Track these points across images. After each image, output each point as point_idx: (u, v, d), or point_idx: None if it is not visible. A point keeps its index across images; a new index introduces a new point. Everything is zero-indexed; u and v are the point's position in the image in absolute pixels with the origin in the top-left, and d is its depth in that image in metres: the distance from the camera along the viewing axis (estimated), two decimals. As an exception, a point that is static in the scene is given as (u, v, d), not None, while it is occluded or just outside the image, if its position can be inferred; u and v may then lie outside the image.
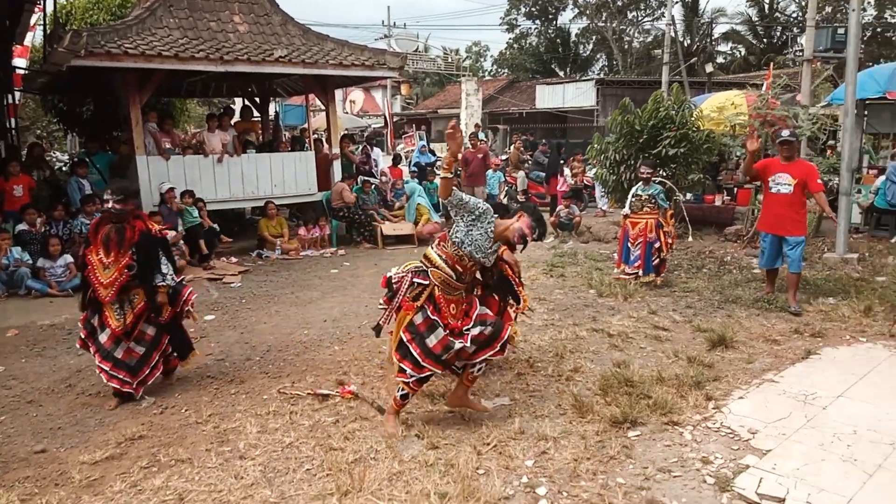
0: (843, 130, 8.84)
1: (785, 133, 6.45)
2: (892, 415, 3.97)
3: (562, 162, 14.41)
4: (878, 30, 35.74)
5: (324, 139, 12.30)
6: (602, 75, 35.23)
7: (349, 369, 5.01)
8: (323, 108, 12.28)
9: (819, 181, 6.38)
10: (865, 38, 34.74)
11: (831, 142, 13.86)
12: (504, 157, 16.47)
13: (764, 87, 11.11)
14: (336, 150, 11.19)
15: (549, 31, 43.30)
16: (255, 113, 13.77)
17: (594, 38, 43.26)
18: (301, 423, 4.07)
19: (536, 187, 15.01)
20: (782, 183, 6.36)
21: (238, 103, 15.83)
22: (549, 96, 28.78)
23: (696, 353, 5.13)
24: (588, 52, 44.54)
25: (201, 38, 9.33)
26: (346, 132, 16.31)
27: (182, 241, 8.71)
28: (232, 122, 11.13)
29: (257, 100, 13.83)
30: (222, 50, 9.19)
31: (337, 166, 11.04)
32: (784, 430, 3.82)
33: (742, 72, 32.48)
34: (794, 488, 3.16)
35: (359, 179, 11.15)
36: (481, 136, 15.82)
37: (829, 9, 31.14)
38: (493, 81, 35.10)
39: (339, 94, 30.35)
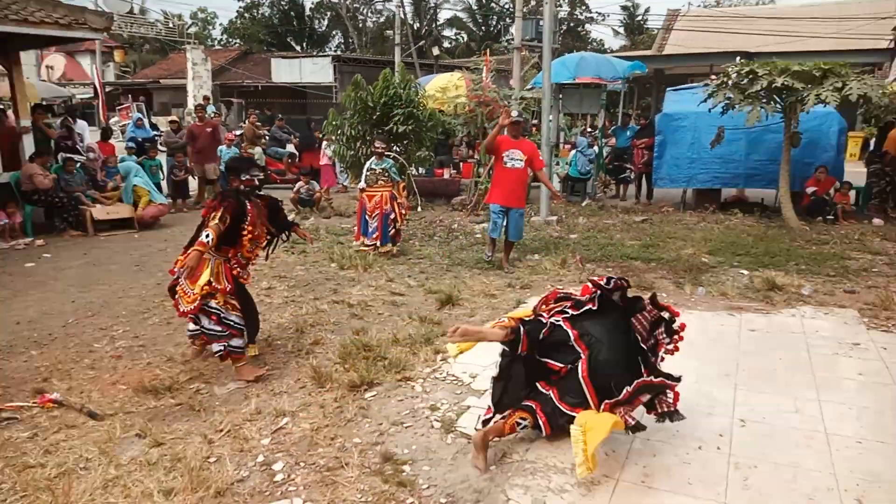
0: (543, 111, 10.14)
1: (514, 113, 7.11)
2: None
3: (321, 136, 14.12)
4: (572, 24, 41.70)
5: (8, 110, 10.30)
6: (339, 52, 35.38)
7: (50, 375, 4.33)
8: (5, 72, 10.27)
9: (541, 159, 7.05)
10: (562, 31, 40.29)
11: (535, 121, 15.85)
12: (238, 133, 15.62)
13: (483, 72, 12.25)
14: (26, 123, 9.48)
15: (283, 3, 42.00)
16: None
17: (329, 13, 43.13)
18: (-18, 445, 3.41)
19: (275, 163, 14.55)
20: (515, 158, 6.87)
21: None
22: (287, 71, 28.01)
23: (428, 313, 5.51)
24: (324, 28, 44.30)
25: None
26: (42, 102, 13.90)
27: None
28: None
29: None
30: None
31: (28, 142, 9.36)
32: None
33: (465, 56, 35.30)
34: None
35: (59, 157, 9.60)
36: (211, 109, 14.77)
37: (533, 2, 35.28)
38: (223, 52, 32.98)
39: (30, 57, 25.72)
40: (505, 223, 7.08)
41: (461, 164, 13.04)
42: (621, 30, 43.66)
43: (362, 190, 7.82)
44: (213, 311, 4.15)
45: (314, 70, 27.50)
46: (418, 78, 14.51)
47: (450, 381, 4.17)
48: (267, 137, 15.37)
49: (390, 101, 9.89)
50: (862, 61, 17.84)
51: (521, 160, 6.90)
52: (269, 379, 4.31)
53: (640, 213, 10.31)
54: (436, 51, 29.39)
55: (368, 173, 7.75)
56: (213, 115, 15.69)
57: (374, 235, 7.70)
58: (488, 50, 16.26)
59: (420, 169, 12.00)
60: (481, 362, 4.42)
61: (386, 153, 7.90)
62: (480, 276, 6.76)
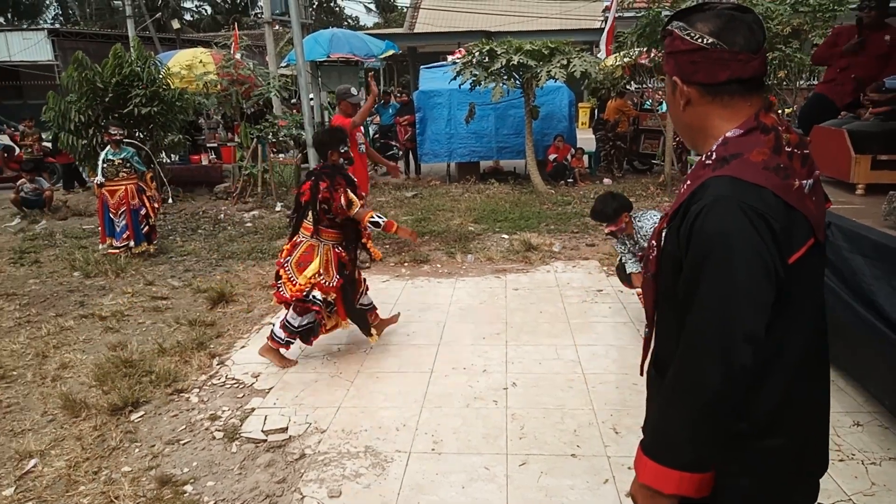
0: (301, 89, 9.85)
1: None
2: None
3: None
4: (323, 2, 41.07)
5: None
6: (58, 26, 30.51)
7: None
8: None
9: None
10: (314, 6, 39.55)
11: (294, 100, 15.38)
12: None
13: (232, 48, 11.46)
14: None
15: (-27, -35, 34.75)
16: None
17: (38, -20, 36.84)
18: None
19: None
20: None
21: None
22: (-12, 47, 23.39)
23: (198, 314, 5.08)
24: (34, -3, 37.75)
25: None
26: None
27: None
28: None
29: None
30: None
31: None
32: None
33: (212, 31, 32.86)
34: (295, 415, 3.47)
35: None
36: None
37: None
38: None
39: None
40: None
41: (220, 148, 12.18)
42: (373, 6, 44.26)
43: (100, 185, 6.86)
44: (313, 302, 3.98)
45: (26, 46, 23.35)
46: (158, 54, 13.07)
47: (230, 386, 3.89)
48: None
49: (125, 80, 8.80)
50: (582, 40, 20.36)
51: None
52: (6, 417, 3.62)
53: (410, 189, 10.63)
54: (176, 24, 26.83)
55: (105, 165, 6.80)
56: None
57: (125, 235, 6.84)
58: (236, 24, 15.30)
59: (173, 156, 10.95)
60: (261, 359, 4.21)
61: (124, 140, 7.02)
62: (255, 268, 6.41)
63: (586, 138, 13.20)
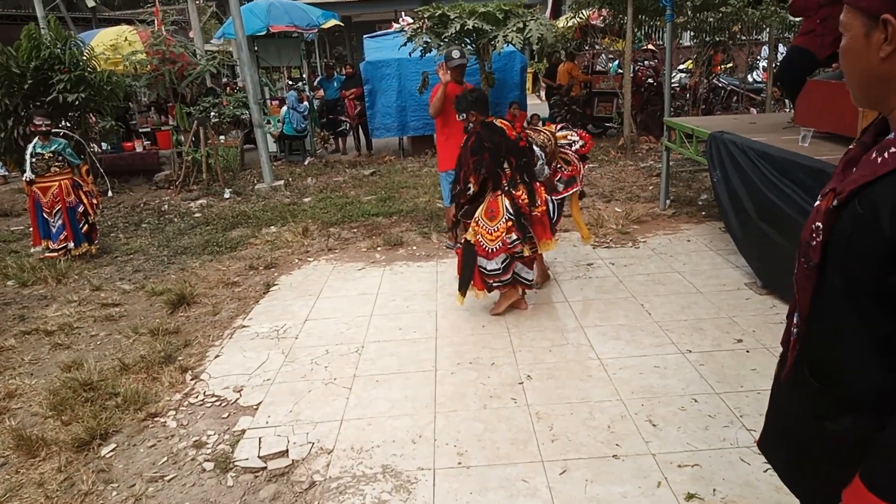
0: (242, 65, 9.16)
1: (455, 54, 5.78)
2: (351, 323, 4.35)
3: None
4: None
5: None
6: (-48, 7, 27.83)
7: None
8: None
9: None
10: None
11: (226, 79, 14.48)
12: None
13: (156, 24, 10.56)
14: None
15: None
16: None
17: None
18: None
19: None
20: None
21: None
22: None
23: (158, 321, 4.56)
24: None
25: None
26: None
27: None
28: None
29: None
30: None
31: None
32: (267, 375, 3.72)
33: (129, 8, 30.75)
34: (293, 434, 3.09)
35: None
36: None
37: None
38: None
39: None
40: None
41: (154, 133, 11.29)
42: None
43: (31, 182, 6.14)
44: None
45: (-80, 30, 21.23)
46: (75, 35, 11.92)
47: (210, 405, 3.46)
48: None
49: (45, 64, 7.93)
50: (528, 2, 19.96)
51: None
52: (-54, 467, 3.10)
53: (366, 167, 10.14)
54: (90, 2, 24.91)
55: (34, 160, 6.09)
56: None
57: (63, 236, 6.17)
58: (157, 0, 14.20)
59: (104, 144, 10.08)
60: (242, 369, 3.79)
61: (53, 131, 6.28)
62: (213, 263, 5.89)
63: (533, 104, 12.96)
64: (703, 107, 10.96)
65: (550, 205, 4.22)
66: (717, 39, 10.26)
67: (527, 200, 3.99)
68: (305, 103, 11.28)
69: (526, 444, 2.83)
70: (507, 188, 3.99)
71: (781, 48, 11.18)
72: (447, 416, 3.11)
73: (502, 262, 4.02)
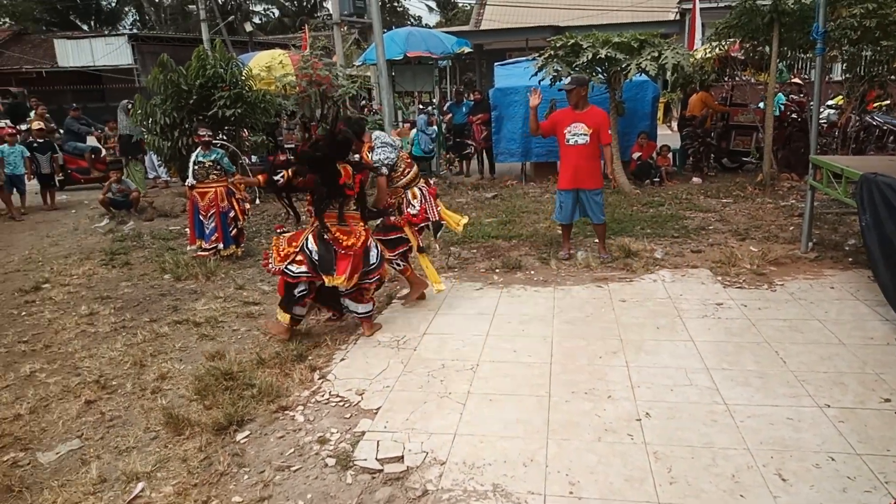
0: (381, 89, 9.68)
1: (565, 81, 6.25)
2: (467, 340, 4.45)
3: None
4: (386, 2, 41.23)
5: None
6: (135, 30, 31.74)
7: None
8: None
9: (609, 132, 6.13)
10: (385, 8, 39.73)
11: (363, 102, 15.32)
12: (24, 128, 13.26)
13: (303, 48, 11.45)
14: None
15: (60, -25, 36.53)
16: None
17: (119, -13, 38.48)
18: None
19: (76, 161, 12.56)
20: (579, 133, 6.02)
21: None
22: (75, 53, 24.53)
23: (292, 323, 4.90)
24: (114, 4, 39.45)
25: None
26: None
27: None
28: None
29: None
30: None
31: None
32: (387, 382, 3.89)
33: (280, 32, 33.46)
34: (409, 441, 3.21)
35: None
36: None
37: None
38: (-11, 32, 27.99)
39: None
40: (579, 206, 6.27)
41: (296, 148, 12.17)
42: (434, 5, 44.06)
43: (192, 187, 6.86)
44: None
45: (108, 51, 24.36)
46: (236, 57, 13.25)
47: (335, 404, 3.67)
48: (61, 132, 13.25)
49: (209, 82, 8.83)
50: (664, 32, 19.53)
51: (585, 134, 6.00)
52: (110, 432, 3.52)
53: (488, 189, 10.31)
54: (248, 27, 27.40)
55: (196, 167, 6.80)
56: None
57: (214, 238, 6.82)
58: (306, 26, 15.37)
59: (254, 157, 11.01)
60: (364, 374, 3.99)
61: (213, 142, 6.99)
62: (341, 273, 6.22)
63: (664, 135, 12.56)
64: (853, 146, 10.13)
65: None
66: (873, 74, 9.49)
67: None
68: (434, 127, 11.70)
69: (642, 483, 2.76)
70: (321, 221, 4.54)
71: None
72: (560, 444, 3.10)
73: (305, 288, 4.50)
